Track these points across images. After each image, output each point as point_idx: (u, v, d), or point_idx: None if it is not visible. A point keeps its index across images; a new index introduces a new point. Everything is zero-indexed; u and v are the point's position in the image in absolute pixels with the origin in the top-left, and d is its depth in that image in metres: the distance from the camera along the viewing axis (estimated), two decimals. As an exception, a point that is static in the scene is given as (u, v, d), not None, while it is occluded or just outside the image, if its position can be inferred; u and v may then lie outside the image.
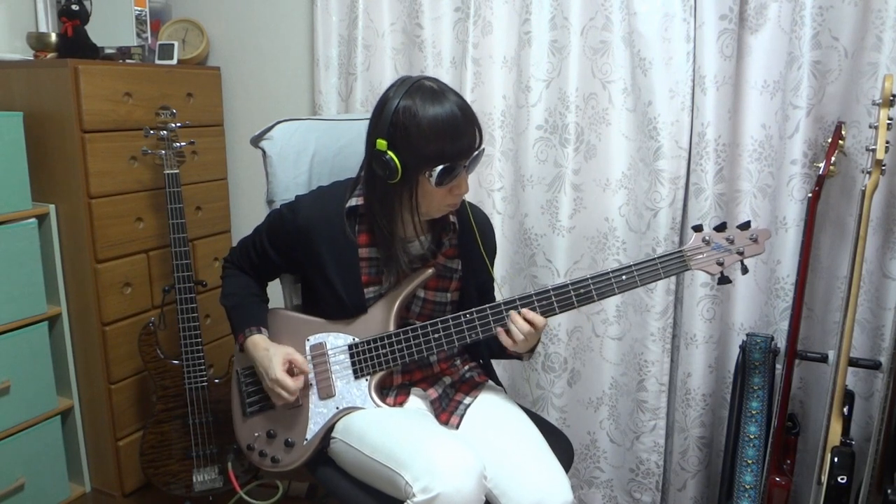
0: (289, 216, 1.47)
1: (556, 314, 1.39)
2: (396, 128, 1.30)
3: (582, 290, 1.37)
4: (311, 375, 1.47)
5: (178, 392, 2.11)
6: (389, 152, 1.31)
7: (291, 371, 1.43)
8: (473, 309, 1.41)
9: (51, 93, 2.04)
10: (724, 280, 1.38)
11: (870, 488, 1.55)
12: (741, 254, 1.37)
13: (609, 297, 1.38)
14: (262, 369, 1.44)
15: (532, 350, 1.47)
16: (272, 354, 1.44)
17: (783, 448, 1.73)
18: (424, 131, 1.28)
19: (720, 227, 1.37)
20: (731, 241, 1.36)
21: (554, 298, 1.38)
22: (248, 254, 1.58)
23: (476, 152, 1.35)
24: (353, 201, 1.45)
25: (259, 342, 1.48)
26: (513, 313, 1.37)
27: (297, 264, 1.52)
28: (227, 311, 1.56)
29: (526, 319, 1.36)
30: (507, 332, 1.37)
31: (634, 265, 1.36)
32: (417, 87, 1.31)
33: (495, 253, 1.62)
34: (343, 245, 1.44)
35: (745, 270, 1.38)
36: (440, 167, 1.30)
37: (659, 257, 1.36)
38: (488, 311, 1.40)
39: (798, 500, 1.93)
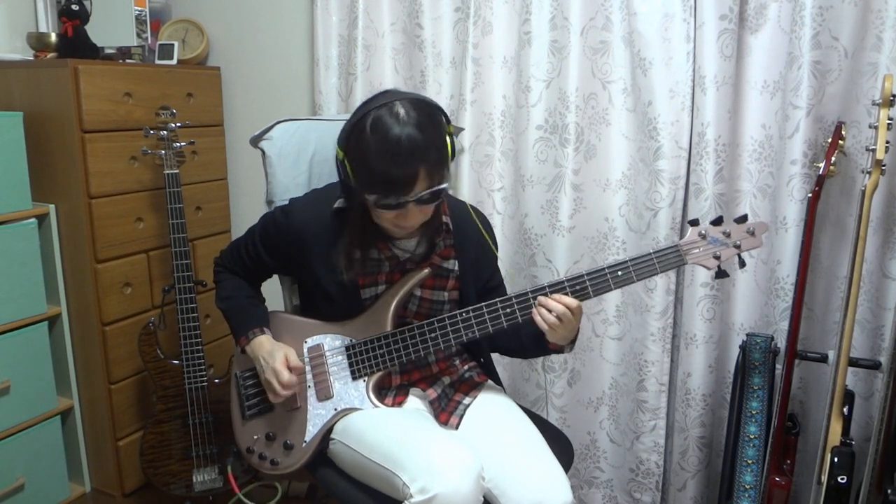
0: (282, 220, 1.46)
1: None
2: (349, 140, 1.30)
3: (578, 287, 1.37)
4: (309, 377, 1.47)
5: (178, 392, 2.11)
6: (346, 161, 1.31)
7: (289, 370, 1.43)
8: (470, 308, 1.41)
9: (51, 93, 2.04)
10: (721, 274, 1.37)
11: (870, 488, 1.55)
12: (738, 247, 1.36)
13: (605, 293, 1.38)
14: (263, 361, 1.44)
15: (573, 341, 1.43)
16: (276, 349, 1.44)
17: (783, 448, 1.73)
18: (363, 151, 1.27)
19: (717, 221, 1.36)
20: (728, 235, 1.36)
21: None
22: (240, 256, 1.58)
23: (424, 192, 1.28)
24: (340, 202, 1.44)
25: (265, 342, 1.48)
26: (541, 298, 1.34)
27: (290, 267, 1.52)
28: (225, 313, 1.56)
29: (560, 302, 1.32)
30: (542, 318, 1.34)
31: (630, 260, 1.36)
32: (388, 106, 1.27)
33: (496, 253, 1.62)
34: (336, 247, 1.44)
35: (742, 264, 1.38)
36: (374, 195, 1.29)
37: (655, 252, 1.36)
38: (484, 310, 1.40)
39: (798, 500, 1.93)
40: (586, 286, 1.37)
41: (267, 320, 1.54)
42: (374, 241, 1.43)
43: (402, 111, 1.27)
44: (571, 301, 1.33)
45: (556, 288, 1.37)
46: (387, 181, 1.26)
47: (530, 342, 1.49)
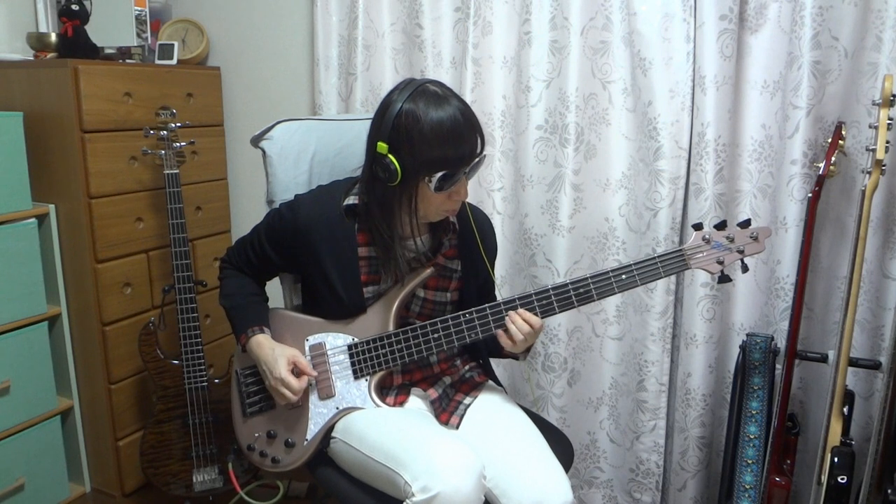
0: (288, 216, 1.46)
1: (555, 314, 1.39)
2: (398, 132, 1.30)
3: (581, 290, 1.37)
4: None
5: (178, 392, 2.11)
6: (390, 156, 1.31)
7: (295, 373, 1.43)
8: (473, 309, 1.41)
9: (51, 93, 2.04)
10: (724, 279, 1.37)
11: (870, 488, 1.55)
12: (741, 252, 1.36)
13: (609, 296, 1.38)
14: (267, 368, 1.44)
15: (528, 350, 1.48)
16: (277, 355, 1.44)
17: (783, 448, 1.73)
18: (427, 137, 1.28)
19: (720, 226, 1.37)
20: (732, 240, 1.36)
21: (553, 298, 1.38)
22: (245, 253, 1.58)
23: (477, 159, 1.35)
24: (350, 200, 1.45)
25: (263, 342, 1.48)
26: (511, 314, 1.37)
27: (295, 264, 1.51)
28: (227, 311, 1.56)
29: (524, 320, 1.36)
30: (506, 332, 1.37)
31: (634, 264, 1.36)
32: (421, 92, 1.31)
33: (496, 253, 1.62)
34: (343, 244, 1.44)
35: (745, 269, 1.38)
36: (440, 173, 1.30)
37: (658, 256, 1.36)
38: (488, 311, 1.40)
39: (798, 500, 1.93)
40: (590, 289, 1.37)
41: (266, 319, 1.54)
42: (399, 238, 1.43)
43: (437, 90, 1.33)
44: (536, 320, 1.36)
45: (560, 291, 1.37)
46: (455, 157, 1.31)
47: (488, 349, 1.56)
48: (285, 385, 1.40)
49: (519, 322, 1.36)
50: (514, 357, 1.50)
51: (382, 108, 1.34)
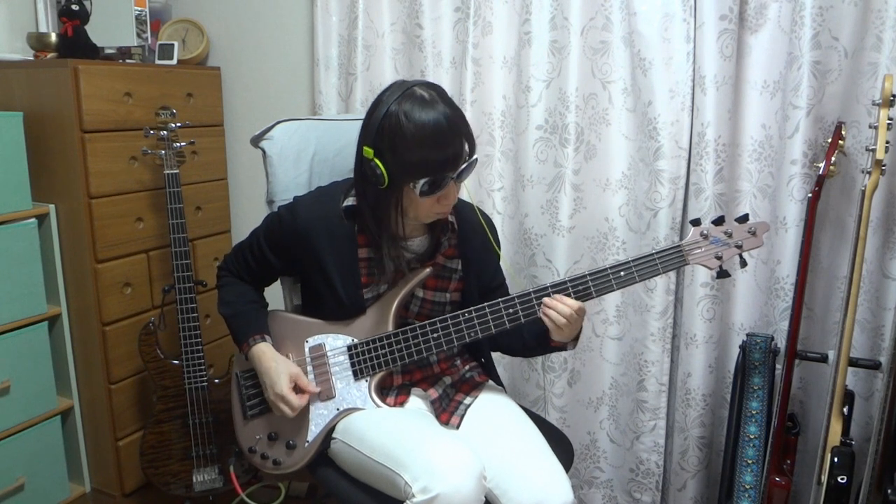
0: (288, 218, 1.46)
1: (555, 313, 1.39)
2: (382, 135, 1.30)
3: (580, 288, 1.37)
4: (311, 377, 1.47)
5: (178, 392, 2.11)
6: (375, 160, 1.31)
7: (296, 389, 1.43)
8: (472, 308, 1.41)
9: (51, 93, 2.04)
10: (722, 274, 1.37)
11: (870, 488, 1.55)
12: (739, 247, 1.36)
13: (608, 293, 1.38)
14: (269, 382, 1.44)
15: (577, 338, 1.44)
16: (280, 371, 1.43)
17: (783, 448, 1.73)
18: (408, 141, 1.27)
19: (718, 221, 1.37)
20: (730, 235, 1.36)
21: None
22: (244, 258, 1.57)
23: (464, 164, 1.33)
24: (349, 201, 1.45)
25: (266, 351, 1.47)
26: (546, 301, 1.35)
27: (296, 267, 1.51)
28: (227, 319, 1.55)
29: (564, 304, 1.34)
30: (548, 318, 1.35)
31: (633, 261, 1.36)
32: (409, 95, 1.30)
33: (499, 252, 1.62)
34: (343, 246, 1.44)
35: (743, 264, 1.38)
36: (424, 179, 1.30)
37: (657, 252, 1.36)
38: (487, 310, 1.40)
39: (798, 500, 1.93)
40: (589, 287, 1.37)
41: (267, 326, 1.53)
42: (392, 238, 1.43)
43: (424, 94, 1.30)
44: (574, 303, 1.34)
45: (559, 288, 1.37)
46: (438, 162, 1.29)
47: (533, 340, 1.50)
48: (285, 403, 1.41)
49: (559, 307, 1.34)
50: (563, 347, 1.45)
51: (370, 110, 1.34)
